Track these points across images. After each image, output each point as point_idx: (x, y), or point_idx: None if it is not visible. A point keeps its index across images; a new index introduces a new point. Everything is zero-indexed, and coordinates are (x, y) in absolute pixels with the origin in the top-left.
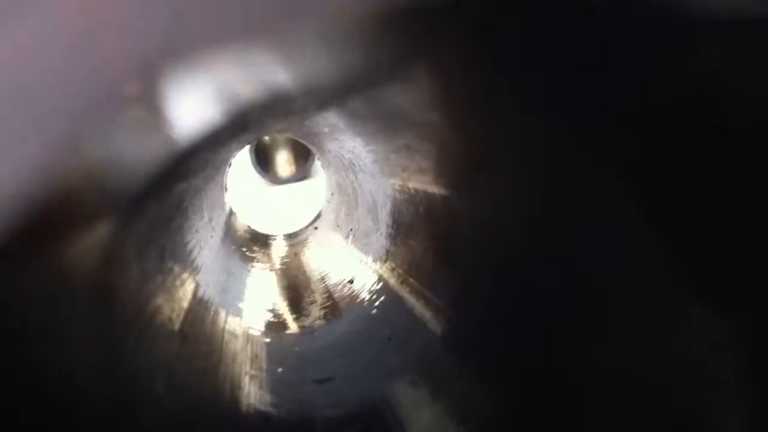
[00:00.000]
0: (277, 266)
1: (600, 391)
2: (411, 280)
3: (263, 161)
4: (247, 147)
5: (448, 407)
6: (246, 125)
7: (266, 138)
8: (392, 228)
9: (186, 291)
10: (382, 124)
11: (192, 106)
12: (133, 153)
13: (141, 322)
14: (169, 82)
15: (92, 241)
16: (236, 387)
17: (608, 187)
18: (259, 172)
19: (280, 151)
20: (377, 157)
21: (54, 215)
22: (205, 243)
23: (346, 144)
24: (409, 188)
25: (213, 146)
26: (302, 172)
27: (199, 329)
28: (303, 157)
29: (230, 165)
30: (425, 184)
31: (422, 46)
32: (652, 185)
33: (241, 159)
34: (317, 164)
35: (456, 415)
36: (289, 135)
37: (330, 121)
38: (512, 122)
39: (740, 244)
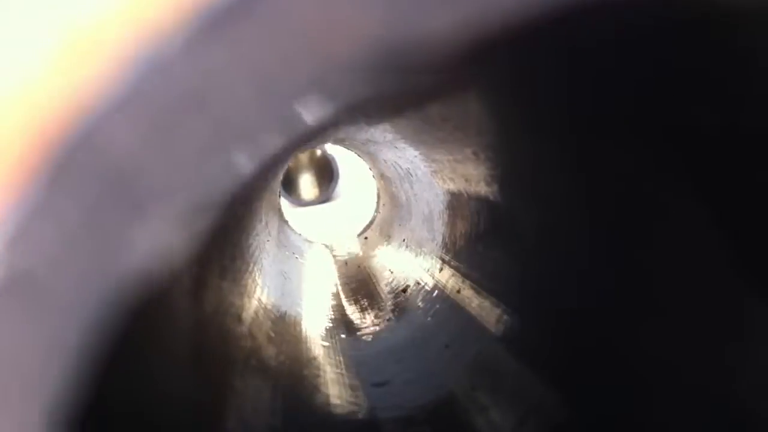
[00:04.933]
0: (330, 274)
1: (664, 395)
2: (467, 287)
3: (287, 184)
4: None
5: (508, 410)
6: (305, 137)
7: (291, 162)
8: (448, 237)
9: (250, 292)
10: (435, 137)
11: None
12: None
13: (218, 319)
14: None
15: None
16: (299, 387)
17: (677, 195)
18: (283, 195)
19: (304, 174)
20: (438, 167)
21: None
22: (263, 246)
23: (406, 153)
24: (462, 196)
25: (275, 157)
26: (324, 195)
27: (263, 331)
28: (326, 180)
29: (279, 176)
30: (479, 192)
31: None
32: (720, 189)
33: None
34: (339, 187)
35: (516, 418)
36: (346, 145)
37: (384, 135)
38: (571, 139)
39: None
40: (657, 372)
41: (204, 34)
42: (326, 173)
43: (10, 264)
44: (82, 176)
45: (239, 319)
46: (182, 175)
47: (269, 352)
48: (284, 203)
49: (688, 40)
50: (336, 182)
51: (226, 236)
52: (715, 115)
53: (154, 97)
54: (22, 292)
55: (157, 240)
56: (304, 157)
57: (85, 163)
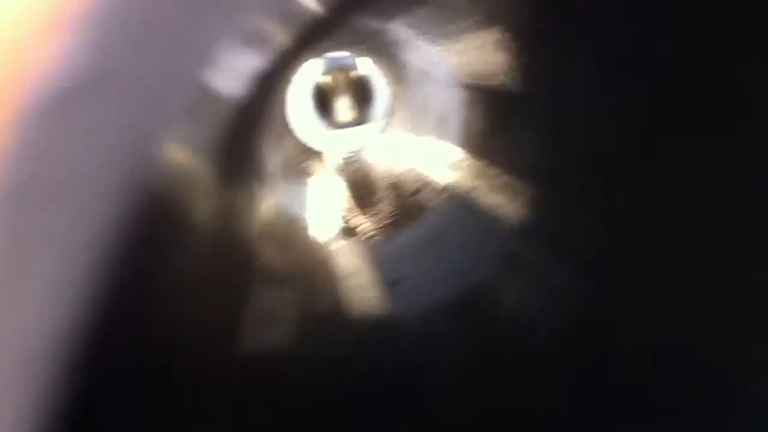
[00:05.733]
0: (348, 179)
1: (691, 280)
2: (484, 184)
3: (324, 106)
4: (309, 91)
5: (531, 300)
6: (310, 41)
7: (327, 81)
8: (464, 136)
9: (266, 206)
10: (447, 28)
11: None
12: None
13: (228, 242)
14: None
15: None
16: (312, 292)
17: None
18: (320, 117)
19: (341, 95)
20: (457, 61)
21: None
22: (274, 158)
23: (425, 52)
24: (477, 90)
25: (277, 65)
26: (362, 117)
27: (281, 241)
28: (364, 101)
29: (291, 82)
30: (494, 84)
31: None
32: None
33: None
34: (378, 106)
35: (538, 306)
36: (354, 50)
37: (395, 31)
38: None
39: None
40: (685, 270)
41: None
42: (365, 94)
43: None
44: None
45: (248, 227)
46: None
47: (280, 259)
48: (320, 126)
49: None
50: (374, 104)
51: (235, 145)
52: None
53: None
54: None
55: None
56: (340, 78)
57: None
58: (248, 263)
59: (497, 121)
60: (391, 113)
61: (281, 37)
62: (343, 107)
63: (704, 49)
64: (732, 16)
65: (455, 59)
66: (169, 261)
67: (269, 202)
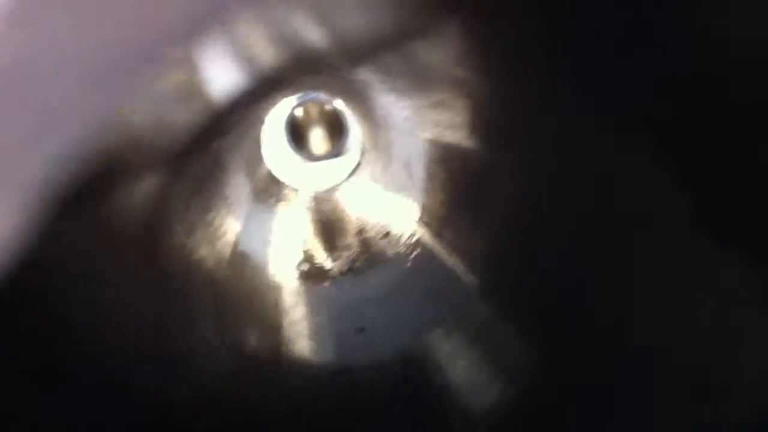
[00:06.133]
0: (314, 220)
1: (634, 345)
2: (445, 233)
3: (297, 139)
4: (283, 124)
5: (483, 357)
6: (277, 81)
7: (300, 114)
8: (427, 183)
9: (227, 243)
10: (415, 81)
11: (226, 67)
12: (173, 114)
13: (185, 273)
14: (204, 45)
15: (138, 198)
16: (276, 335)
17: (643, 157)
18: (294, 150)
19: (315, 128)
20: (409, 113)
21: (99, 175)
22: (243, 197)
23: (379, 100)
24: (443, 144)
25: (246, 104)
26: (336, 150)
27: (239, 280)
28: (337, 134)
29: (264, 122)
30: (459, 140)
31: (455, 3)
32: (681, 150)
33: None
34: (351, 140)
35: (491, 366)
36: (323, 92)
37: (362, 77)
38: (549, 88)
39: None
40: (629, 323)
41: None
42: (337, 127)
43: None
44: None
45: (212, 271)
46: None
47: (243, 301)
48: (295, 158)
49: None
50: (347, 136)
51: (195, 184)
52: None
53: None
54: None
55: None
56: (314, 111)
57: None
58: (196, 293)
59: (459, 182)
60: (363, 152)
61: (260, 68)
62: (317, 139)
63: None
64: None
65: (424, 112)
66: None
67: (232, 231)
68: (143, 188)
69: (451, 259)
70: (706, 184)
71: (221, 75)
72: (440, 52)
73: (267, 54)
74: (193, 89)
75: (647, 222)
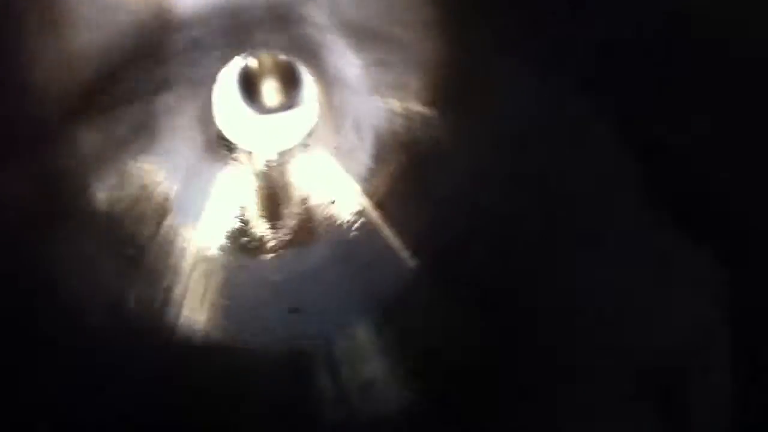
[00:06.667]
0: (259, 186)
1: (574, 323)
2: (388, 204)
3: (250, 90)
4: (235, 74)
5: (420, 332)
6: (232, 37)
7: (253, 65)
8: (374, 145)
9: (160, 202)
10: (355, 38)
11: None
12: (108, 40)
13: (116, 230)
14: None
15: (67, 141)
16: (201, 312)
17: (589, 124)
18: (246, 102)
19: (268, 78)
20: (359, 72)
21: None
22: (187, 155)
23: (329, 58)
24: (392, 107)
25: (197, 58)
26: (290, 101)
27: (170, 248)
28: (291, 85)
29: (215, 81)
30: (407, 103)
31: None
32: (631, 119)
33: (230, 86)
34: (305, 90)
35: (427, 341)
36: (276, 50)
37: (312, 33)
38: (492, 52)
39: (716, 175)
40: (569, 299)
41: None
42: (290, 78)
43: None
44: None
45: (141, 236)
46: None
47: (167, 272)
48: (248, 114)
49: None
50: (300, 88)
51: (129, 142)
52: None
53: None
54: None
55: None
56: (266, 62)
57: None
58: (134, 264)
59: (406, 148)
60: (316, 112)
61: (210, 21)
62: (270, 91)
63: None
64: None
65: (372, 71)
66: None
67: (168, 191)
68: (80, 138)
69: (392, 232)
70: (660, 158)
71: (170, 18)
72: (377, 6)
73: (220, 6)
74: (139, 22)
75: (595, 195)
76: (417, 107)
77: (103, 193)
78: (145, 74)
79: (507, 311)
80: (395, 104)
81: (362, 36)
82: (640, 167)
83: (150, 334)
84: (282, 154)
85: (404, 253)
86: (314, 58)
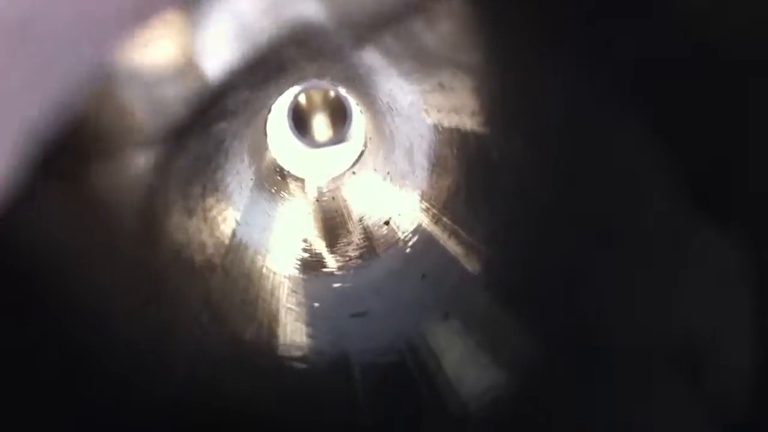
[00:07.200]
0: (316, 209)
1: (631, 329)
2: (444, 219)
3: (300, 125)
4: (285, 110)
5: (480, 343)
6: (281, 66)
7: (303, 101)
8: (427, 169)
9: (227, 229)
10: (416, 64)
11: (221, 41)
12: (168, 92)
13: (184, 258)
14: (195, 17)
15: (132, 174)
16: (273, 320)
17: (639, 137)
18: (297, 137)
19: (318, 114)
20: (413, 98)
21: (92, 147)
22: (245, 184)
23: (383, 86)
24: (445, 129)
25: (249, 87)
26: (339, 136)
27: (239, 266)
28: (341, 120)
29: (270, 110)
30: (461, 124)
31: None
32: (677, 128)
33: (281, 118)
34: (354, 126)
35: (487, 351)
36: (327, 81)
37: (366, 62)
38: (547, 72)
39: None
40: (615, 306)
41: None
42: (340, 114)
43: None
44: None
45: (211, 256)
46: None
47: (241, 286)
48: (298, 145)
49: None
50: (350, 122)
51: (194, 167)
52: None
53: None
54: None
55: None
56: (317, 98)
57: None
58: (192, 279)
59: (460, 167)
60: (366, 140)
61: (262, 52)
62: (320, 126)
63: None
64: None
65: (427, 96)
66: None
67: (231, 218)
68: (138, 166)
69: (449, 246)
70: (701, 163)
71: (220, 55)
72: (439, 32)
73: (269, 36)
74: (190, 68)
75: (643, 203)
76: (472, 128)
77: (174, 225)
78: (211, 112)
79: (560, 326)
80: (450, 127)
81: (421, 62)
82: (685, 174)
83: (223, 349)
84: (333, 180)
85: (459, 266)
86: (365, 87)
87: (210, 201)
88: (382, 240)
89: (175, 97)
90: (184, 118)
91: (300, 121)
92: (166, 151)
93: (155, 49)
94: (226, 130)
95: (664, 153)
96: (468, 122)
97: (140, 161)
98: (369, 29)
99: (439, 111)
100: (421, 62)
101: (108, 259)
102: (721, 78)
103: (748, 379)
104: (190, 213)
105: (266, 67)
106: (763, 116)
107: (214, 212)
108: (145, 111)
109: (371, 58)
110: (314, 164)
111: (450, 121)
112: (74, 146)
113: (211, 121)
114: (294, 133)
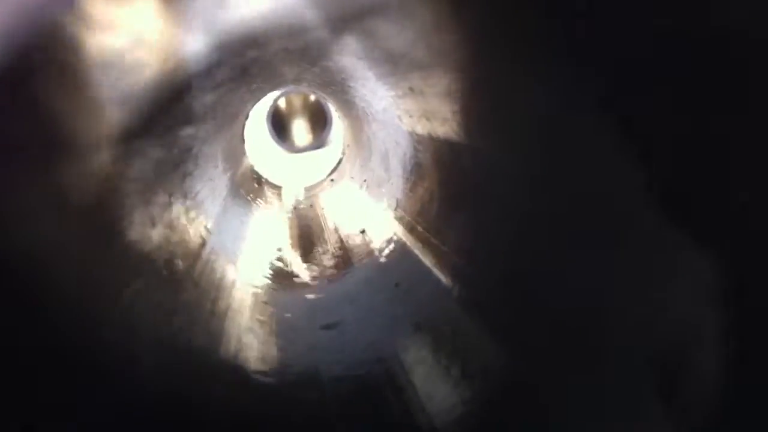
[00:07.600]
0: (292, 217)
1: (604, 342)
2: (419, 228)
3: (280, 130)
4: (265, 114)
5: (450, 354)
6: (260, 73)
7: (283, 105)
8: (402, 177)
9: (196, 238)
10: (388, 67)
11: (186, 38)
12: (127, 85)
13: (149, 267)
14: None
15: (89, 173)
16: (244, 332)
17: (611, 146)
18: (277, 141)
19: (298, 119)
20: (386, 103)
21: (58, 141)
22: (219, 192)
23: (359, 91)
24: (417, 135)
25: (216, 89)
26: (319, 141)
27: (209, 276)
28: (320, 124)
29: (247, 117)
30: (431, 130)
31: None
32: (650, 142)
33: (260, 123)
34: (333, 131)
35: (458, 363)
36: (305, 86)
37: (341, 65)
38: (519, 77)
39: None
40: (591, 313)
41: None
42: (320, 118)
43: None
44: None
45: (179, 266)
46: None
47: (211, 296)
48: (278, 149)
49: None
50: (330, 127)
51: (151, 179)
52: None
53: None
54: None
55: None
56: (296, 102)
57: None
58: (174, 294)
59: (434, 175)
60: (344, 147)
61: (239, 55)
62: (299, 130)
63: None
64: None
65: (401, 101)
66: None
67: (201, 227)
68: (96, 164)
69: (423, 255)
70: (678, 176)
71: (184, 51)
72: (408, 35)
73: (238, 35)
74: (151, 58)
75: (617, 214)
76: (445, 135)
77: (137, 231)
78: (174, 113)
79: (532, 337)
80: (423, 133)
81: (393, 65)
82: (648, 170)
83: (189, 361)
84: (311, 188)
85: (433, 276)
86: (342, 92)
87: (177, 209)
88: (357, 249)
89: (136, 89)
90: (141, 117)
91: (279, 125)
92: (123, 153)
93: (120, 33)
94: (194, 136)
95: (638, 160)
96: (440, 129)
97: (98, 162)
98: (346, 23)
99: (411, 116)
100: (391, 66)
101: (72, 261)
102: (702, 84)
103: (718, 394)
104: (153, 221)
105: (243, 74)
106: (745, 128)
107: (183, 220)
108: (112, 101)
109: (346, 61)
110: (293, 171)
111: (423, 127)
112: (43, 138)
113: (175, 124)
114: (273, 138)
